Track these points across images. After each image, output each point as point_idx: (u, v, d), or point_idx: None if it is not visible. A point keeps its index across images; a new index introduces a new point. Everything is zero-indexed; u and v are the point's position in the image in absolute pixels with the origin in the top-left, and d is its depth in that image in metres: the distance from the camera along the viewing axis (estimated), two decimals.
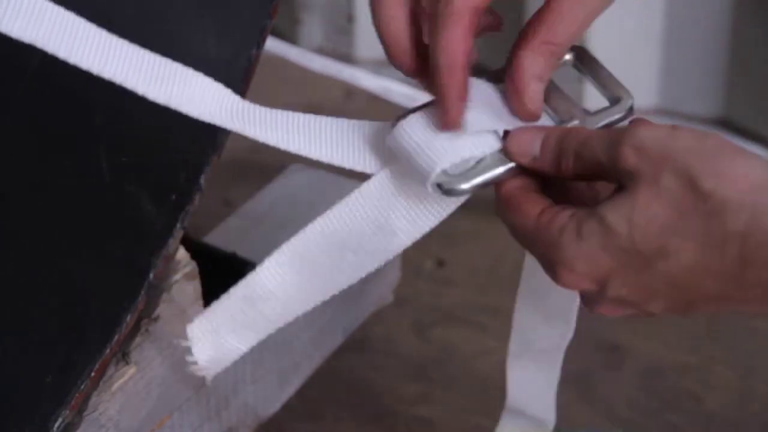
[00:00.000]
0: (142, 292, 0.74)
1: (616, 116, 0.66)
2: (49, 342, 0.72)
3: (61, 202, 0.73)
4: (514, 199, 0.64)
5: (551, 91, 0.67)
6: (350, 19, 1.69)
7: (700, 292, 0.60)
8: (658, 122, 0.62)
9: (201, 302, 0.83)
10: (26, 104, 0.72)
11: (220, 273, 0.86)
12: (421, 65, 0.66)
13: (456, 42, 0.63)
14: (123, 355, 0.78)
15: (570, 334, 0.73)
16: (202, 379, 0.87)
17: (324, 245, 0.68)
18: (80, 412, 0.75)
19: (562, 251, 0.61)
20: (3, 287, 0.71)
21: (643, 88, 1.57)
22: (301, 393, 1.00)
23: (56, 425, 0.72)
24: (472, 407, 0.99)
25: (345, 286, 0.70)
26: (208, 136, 0.75)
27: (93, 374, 0.73)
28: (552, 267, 0.62)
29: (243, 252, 0.95)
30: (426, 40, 0.65)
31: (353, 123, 0.68)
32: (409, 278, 1.12)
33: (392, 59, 0.66)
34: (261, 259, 0.92)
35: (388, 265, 1.08)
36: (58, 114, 0.72)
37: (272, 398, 0.98)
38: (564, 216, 0.61)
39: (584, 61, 0.68)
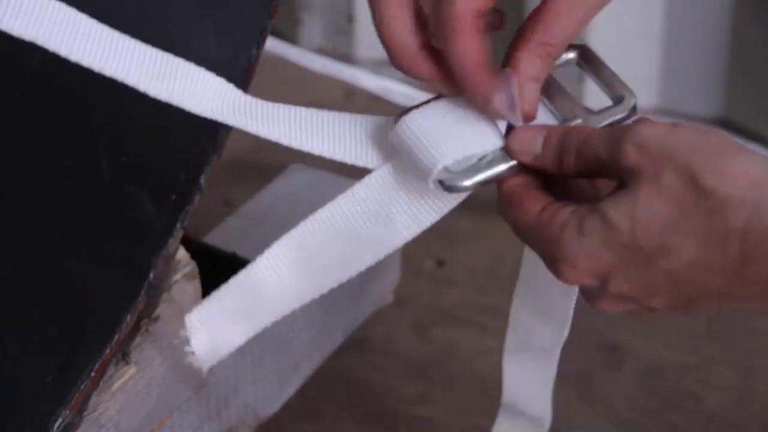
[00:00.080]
0: (142, 292, 0.74)
1: (619, 116, 0.66)
2: (49, 342, 0.72)
3: (61, 202, 0.73)
4: (515, 196, 0.64)
5: (554, 90, 0.67)
6: (350, 19, 1.69)
7: (701, 288, 0.60)
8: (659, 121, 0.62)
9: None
10: (26, 104, 0.72)
11: (220, 273, 0.86)
12: (424, 65, 0.66)
13: (468, 51, 0.63)
14: (123, 355, 0.78)
15: (566, 333, 0.73)
16: (202, 379, 0.87)
17: (323, 238, 0.68)
18: (80, 412, 0.75)
19: (563, 247, 0.61)
20: (3, 287, 0.71)
21: (643, 88, 1.56)
22: (301, 393, 1.00)
23: (56, 425, 0.72)
24: (472, 407, 0.99)
25: (343, 280, 0.70)
26: (208, 136, 0.75)
27: (93, 374, 0.73)
28: (553, 263, 0.62)
29: (243, 252, 0.95)
30: (433, 43, 0.65)
31: (355, 118, 0.68)
32: (409, 278, 1.12)
33: (394, 60, 0.67)
34: None
35: (388, 265, 1.09)
36: (58, 114, 0.72)
37: (272, 398, 0.98)
38: (565, 212, 0.62)
39: (588, 59, 0.69)
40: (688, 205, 0.58)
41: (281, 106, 0.68)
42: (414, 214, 0.67)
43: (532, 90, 0.65)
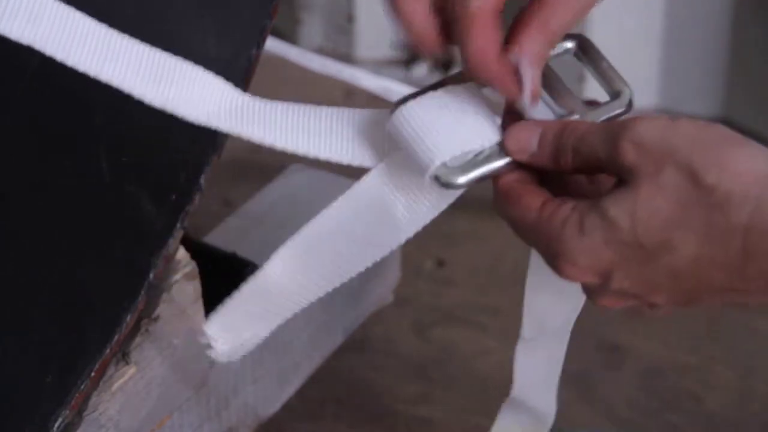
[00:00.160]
0: (142, 292, 0.74)
1: (616, 111, 0.66)
2: (49, 342, 0.72)
3: (61, 202, 0.73)
4: (513, 192, 0.64)
5: (552, 83, 0.67)
6: (350, 19, 1.69)
7: (703, 284, 0.60)
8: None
9: (201, 302, 0.83)
10: (26, 104, 0.72)
11: (220, 273, 0.86)
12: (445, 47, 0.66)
13: (483, 50, 0.63)
14: (123, 355, 0.78)
15: (581, 304, 0.72)
16: (202, 379, 0.87)
17: (327, 239, 0.68)
18: (80, 412, 0.75)
19: (564, 245, 0.61)
20: (3, 287, 0.71)
21: (643, 87, 1.57)
22: (301, 393, 1.00)
23: (56, 425, 0.72)
24: (472, 407, 0.99)
25: (351, 275, 0.70)
26: (208, 136, 0.75)
27: (93, 374, 0.73)
28: (554, 260, 0.62)
29: (243, 252, 0.95)
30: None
31: (352, 115, 0.68)
32: (409, 278, 1.12)
33: (423, 52, 0.66)
34: (261, 259, 0.92)
35: (388, 265, 1.09)
36: (58, 114, 0.72)
37: (272, 398, 0.98)
38: (566, 209, 0.61)
39: (586, 50, 0.68)
40: (690, 202, 0.58)
41: (278, 106, 0.68)
42: (413, 211, 0.67)
43: (537, 71, 0.65)
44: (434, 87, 0.67)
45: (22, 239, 0.72)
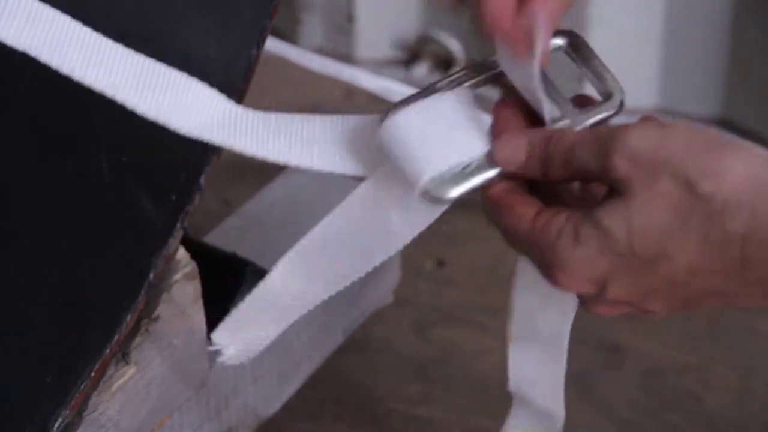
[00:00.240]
0: (142, 292, 0.74)
1: (607, 113, 0.65)
2: (49, 342, 0.72)
3: (61, 202, 0.73)
4: (504, 202, 0.63)
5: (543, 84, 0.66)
6: (350, 19, 1.69)
7: (699, 290, 0.60)
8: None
9: (201, 302, 0.83)
10: (26, 104, 0.72)
11: (220, 273, 0.86)
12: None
13: (498, 8, 0.63)
14: (123, 355, 0.78)
15: (571, 315, 0.72)
16: (202, 379, 0.87)
17: (325, 247, 0.68)
18: (80, 412, 0.75)
19: (559, 255, 0.61)
20: (3, 287, 0.71)
21: (643, 88, 1.57)
22: (301, 393, 1.00)
23: (56, 425, 0.72)
24: (472, 407, 0.99)
25: (351, 281, 0.70)
26: None
27: (93, 374, 0.73)
28: (549, 270, 0.62)
29: (243, 252, 0.95)
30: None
31: (345, 123, 0.67)
32: (409, 278, 1.12)
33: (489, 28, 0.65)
34: (261, 259, 0.92)
35: (388, 265, 1.09)
36: (58, 114, 0.72)
37: (272, 398, 0.98)
38: (560, 219, 0.61)
39: (577, 48, 0.67)
40: (686, 211, 0.58)
41: (271, 118, 0.67)
42: (407, 219, 0.67)
43: (548, 33, 0.64)
44: (425, 93, 0.66)
45: (22, 239, 0.72)
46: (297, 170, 1.10)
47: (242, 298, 0.89)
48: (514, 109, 0.65)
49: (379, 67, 1.64)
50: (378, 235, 0.68)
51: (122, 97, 0.66)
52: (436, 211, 0.66)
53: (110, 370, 0.77)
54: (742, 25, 1.52)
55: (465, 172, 0.63)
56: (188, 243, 0.80)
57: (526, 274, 0.71)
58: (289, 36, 1.70)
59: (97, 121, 0.73)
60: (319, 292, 0.71)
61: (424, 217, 0.67)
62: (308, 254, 0.69)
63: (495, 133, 0.65)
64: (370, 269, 0.69)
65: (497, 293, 1.10)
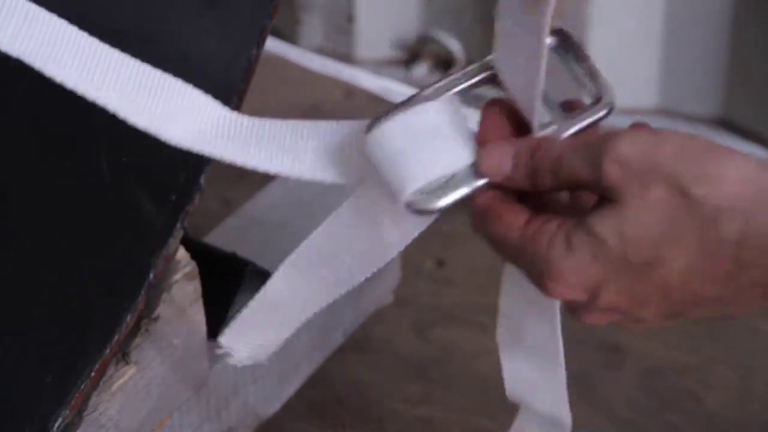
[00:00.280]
0: (142, 292, 0.74)
1: (596, 116, 0.64)
2: (49, 342, 0.72)
3: (61, 202, 0.73)
4: (493, 210, 0.63)
5: None
6: (350, 19, 1.69)
7: (692, 297, 0.60)
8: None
9: (201, 302, 0.83)
10: (26, 104, 0.72)
11: (220, 273, 0.86)
12: None
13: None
14: (123, 355, 0.78)
15: (557, 322, 0.71)
16: (202, 379, 0.87)
17: (323, 254, 0.68)
18: (80, 412, 0.75)
19: (552, 263, 0.60)
20: (3, 287, 0.71)
21: (643, 88, 1.57)
22: (301, 393, 1.00)
23: (56, 425, 0.72)
24: (472, 407, 0.99)
25: (353, 286, 0.70)
26: None
27: (93, 374, 0.73)
28: (541, 279, 0.61)
29: (243, 252, 0.95)
30: None
31: (338, 132, 0.66)
32: (409, 278, 1.12)
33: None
34: (261, 259, 0.92)
35: (388, 265, 1.09)
36: (58, 114, 0.72)
37: (272, 398, 0.98)
38: (551, 227, 0.60)
39: (568, 47, 0.66)
40: (679, 217, 0.58)
41: (260, 127, 0.67)
42: (399, 227, 0.66)
43: None
44: (410, 102, 0.65)
45: (22, 239, 0.72)
46: None
47: (242, 298, 0.89)
48: (500, 116, 0.64)
49: (379, 67, 1.64)
50: (371, 244, 0.67)
51: (114, 108, 0.65)
52: (427, 219, 0.66)
53: (110, 370, 0.77)
54: (742, 25, 1.52)
55: (450, 183, 0.62)
56: (188, 243, 0.80)
57: (512, 280, 0.71)
58: (289, 36, 1.70)
59: (97, 121, 0.73)
60: (321, 296, 0.70)
61: (414, 226, 0.66)
62: (306, 260, 0.69)
63: (480, 142, 0.64)
64: (367, 276, 0.69)
65: (497, 293, 1.10)
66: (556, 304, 0.70)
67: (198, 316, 0.83)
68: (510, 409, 0.80)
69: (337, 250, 0.68)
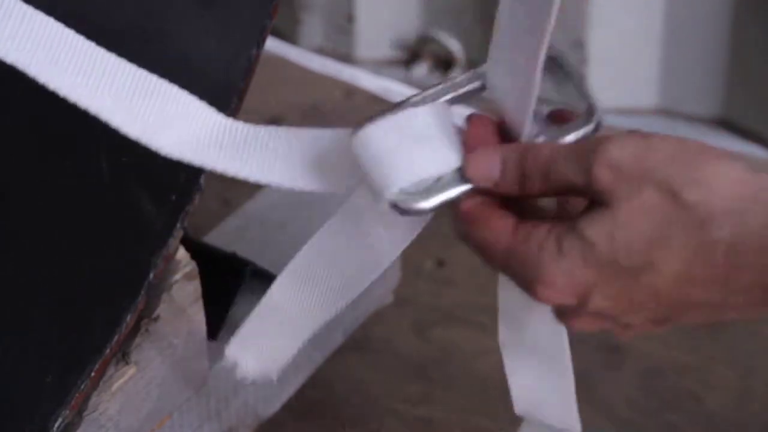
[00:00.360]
0: (142, 292, 0.74)
1: (584, 131, 0.63)
2: (49, 342, 0.72)
3: (61, 202, 0.73)
4: (480, 215, 0.62)
5: None
6: (350, 19, 1.69)
7: (683, 301, 0.59)
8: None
9: (201, 302, 0.83)
10: (26, 104, 0.72)
11: (220, 273, 0.86)
12: None
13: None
14: (123, 355, 0.78)
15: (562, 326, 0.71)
16: (202, 379, 0.87)
17: (320, 263, 0.68)
18: (80, 412, 0.75)
19: (543, 268, 0.59)
20: (3, 287, 0.71)
21: (643, 88, 1.57)
22: (301, 393, 1.00)
23: (56, 425, 0.72)
24: (472, 407, 0.99)
25: (353, 296, 0.69)
26: None
27: (93, 374, 0.73)
28: (531, 284, 0.60)
29: (243, 252, 0.95)
30: None
31: (329, 140, 0.66)
32: (409, 278, 1.12)
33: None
34: (261, 259, 0.92)
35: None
36: (58, 114, 0.72)
37: (272, 398, 0.98)
38: (541, 231, 0.60)
39: (557, 64, 0.65)
40: (671, 221, 0.57)
41: (261, 132, 0.66)
42: (391, 234, 0.66)
43: None
44: (399, 107, 0.65)
45: (22, 239, 0.72)
46: None
47: (242, 298, 0.89)
48: (487, 126, 0.64)
49: (379, 67, 1.64)
50: (365, 251, 0.67)
51: (106, 117, 0.65)
52: (417, 227, 0.65)
53: (110, 370, 0.77)
54: (742, 25, 1.52)
55: (437, 186, 0.62)
56: (188, 243, 0.80)
57: (508, 283, 0.70)
58: (289, 36, 1.70)
59: (97, 121, 0.73)
60: (324, 305, 0.70)
61: (406, 233, 0.65)
62: (304, 268, 0.68)
63: (467, 148, 0.63)
64: (367, 284, 0.69)
65: (497, 293, 1.10)
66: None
67: (198, 316, 0.83)
68: (510, 409, 0.80)
69: (333, 258, 0.68)
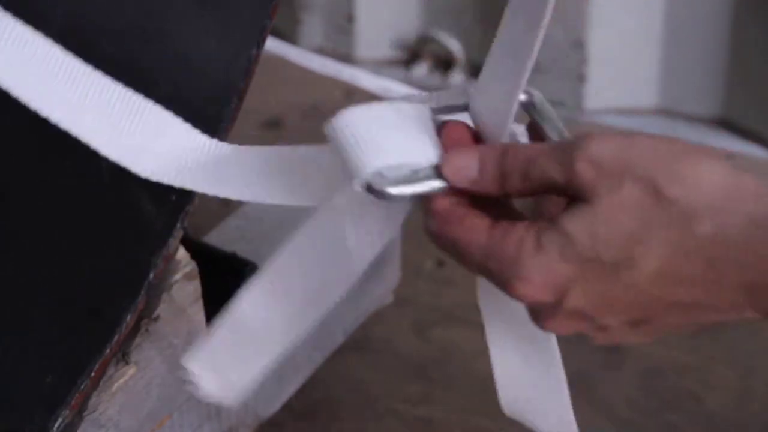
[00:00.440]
0: (142, 292, 0.74)
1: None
2: (49, 342, 0.72)
3: (61, 202, 0.73)
4: (455, 213, 0.61)
5: None
6: (350, 19, 1.69)
7: (664, 300, 0.59)
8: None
9: (201, 302, 0.83)
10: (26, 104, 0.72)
11: (220, 273, 0.86)
12: None
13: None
14: (123, 355, 0.78)
15: None
16: None
17: (293, 271, 0.66)
18: (80, 412, 0.75)
19: (520, 263, 0.59)
20: (3, 287, 0.71)
21: (643, 88, 1.57)
22: (301, 393, 1.00)
23: (56, 425, 0.72)
24: (472, 407, 0.99)
25: (330, 307, 0.67)
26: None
27: (93, 374, 0.73)
28: (509, 281, 0.59)
29: (243, 252, 0.95)
30: None
31: (300, 156, 0.66)
32: (409, 278, 1.12)
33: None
34: (261, 259, 0.92)
35: (388, 265, 1.09)
36: None
37: (272, 398, 0.98)
38: (519, 228, 0.59)
39: (535, 105, 0.65)
40: (652, 216, 0.57)
41: (237, 152, 0.66)
42: (363, 237, 0.65)
43: None
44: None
45: (22, 239, 0.72)
46: None
47: None
48: (464, 131, 0.64)
49: (379, 67, 1.64)
50: (336, 260, 0.66)
51: (87, 140, 0.65)
52: (392, 229, 0.65)
53: (110, 370, 0.77)
54: (742, 25, 1.52)
55: (412, 177, 0.62)
56: (188, 243, 0.80)
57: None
58: (289, 36, 1.70)
59: None
60: (291, 321, 0.68)
61: (379, 236, 0.65)
62: (275, 277, 0.67)
63: (444, 149, 0.63)
64: (340, 294, 0.67)
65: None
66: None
67: (198, 316, 0.83)
68: None
69: (309, 264, 0.66)
